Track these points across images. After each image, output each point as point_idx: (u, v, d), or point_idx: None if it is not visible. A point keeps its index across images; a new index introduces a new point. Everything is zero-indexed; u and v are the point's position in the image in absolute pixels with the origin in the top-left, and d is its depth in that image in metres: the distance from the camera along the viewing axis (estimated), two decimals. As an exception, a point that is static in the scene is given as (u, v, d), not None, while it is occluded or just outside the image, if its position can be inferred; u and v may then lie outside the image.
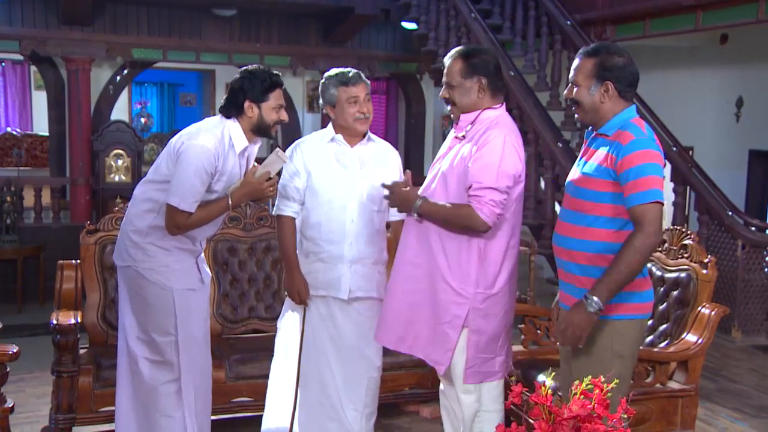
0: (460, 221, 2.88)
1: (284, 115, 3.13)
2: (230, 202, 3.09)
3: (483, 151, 2.87)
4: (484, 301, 2.94)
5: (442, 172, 3.01)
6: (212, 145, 2.99)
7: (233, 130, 3.08)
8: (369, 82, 3.37)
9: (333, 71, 3.32)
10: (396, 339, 3.10)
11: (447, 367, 3.00)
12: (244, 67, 3.13)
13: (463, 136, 3.01)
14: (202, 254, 3.31)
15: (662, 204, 2.59)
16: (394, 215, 3.44)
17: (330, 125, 3.37)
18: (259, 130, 3.12)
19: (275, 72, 3.12)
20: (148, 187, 3.15)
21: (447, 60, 3.05)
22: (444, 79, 3.05)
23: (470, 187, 2.86)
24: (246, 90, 3.05)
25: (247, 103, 3.05)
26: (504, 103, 3.06)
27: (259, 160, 3.15)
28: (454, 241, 2.94)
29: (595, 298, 2.57)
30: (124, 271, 3.15)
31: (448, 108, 3.10)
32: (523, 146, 3.02)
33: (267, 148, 14.20)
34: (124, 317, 3.19)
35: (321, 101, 3.36)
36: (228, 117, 3.10)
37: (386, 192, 3.06)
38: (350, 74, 3.28)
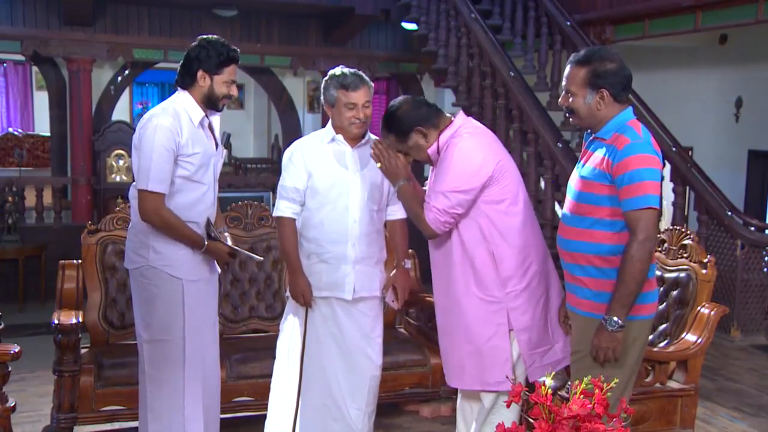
0: (412, 218, 3.02)
1: (234, 90, 3.16)
2: (205, 244, 3.13)
3: (441, 172, 2.96)
4: (517, 299, 2.95)
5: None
6: (168, 123, 2.99)
7: (186, 102, 3.09)
8: (372, 84, 3.33)
9: (337, 71, 3.30)
10: (450, 376, 3.13)
11: (512, 380, 2.94)
12: (203, 36, 3.13)
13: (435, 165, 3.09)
14: None
15: (656, 209, 2.60)
16: (392, 215, 3.46)
17: (329, 124, 3.36)
18: (208, 101, 3.12)
19: (234, 47, 3.13)
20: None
21: (384, 138, 3.09)
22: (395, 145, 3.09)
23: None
24: (201, 60, 3.06)
25: (200, 73, 3.07)
26: (456, 116, 3.07)
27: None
28: (467, 256, 2.96)
29: (614, 318, 2.61)
30: (135, 273, 3.15)
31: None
32: (486, 142, 2.99)
33: (268, 148, 14.19)
34: (136, 322, 3.21)
35: (322, 98, 3.36)
36: (183, 87, 3.11)
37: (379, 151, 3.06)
38: (351, 78, 3.24)
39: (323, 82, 3.35)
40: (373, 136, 3.43)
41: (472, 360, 3.01)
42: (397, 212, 3.47)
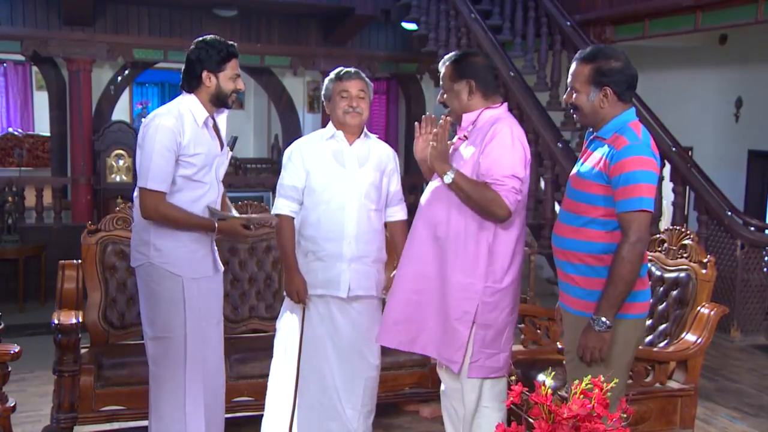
0: (484, 202, 2.87)
1: (240, 84, 3.19)
2: (216, 227, 3.18)
3: (492, 144, 2.90)
4: (493, 295, 2.96)
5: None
6: (170, 124, 3.04)
7: (191, 103, 3.13)
8: (371, 83, 3.39)
9: (336, 70, 3.39)
10: (408, 340, 3.10)
11: (461, 365, 2.99)
12: (199, 38, 3.17)
13: (466, 137, 3.03)
14: (215, 245, 3.32)
15: (650, 212, 2.61)
16: (392, 216, 3.47)
17: (330, 123, 3.40)
18: (217, 100, 3.17)
19: (231, 42, 3.18)
20: None
21: (440, 66, 3.10)
22: (441, 83, 3.11)
23: (486, 178, 2.89)
24: (203, 60, 3.11)
25: (204, 74, 3.11)
26: (504, 103, 3.09)
27: None
28: (461, 237, 2.95)
29: (602, 318, 2.62)
30: (138, 271, 3.19)
31: (448, 110, 3.13)
32: (527, 141, 3.05)
33: (268, 148, 14.21)
34: (142, 319, 3.24)
35: (322, 97, 3.43)
36: (189, 91, 3.15)
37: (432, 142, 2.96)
38: (346, 71, 3.34)
39: (323, 83, 3.42)
40: (372, 135, 3.45)
41: (438, 329, 3.01)
42: (397, 214, 3.49)
